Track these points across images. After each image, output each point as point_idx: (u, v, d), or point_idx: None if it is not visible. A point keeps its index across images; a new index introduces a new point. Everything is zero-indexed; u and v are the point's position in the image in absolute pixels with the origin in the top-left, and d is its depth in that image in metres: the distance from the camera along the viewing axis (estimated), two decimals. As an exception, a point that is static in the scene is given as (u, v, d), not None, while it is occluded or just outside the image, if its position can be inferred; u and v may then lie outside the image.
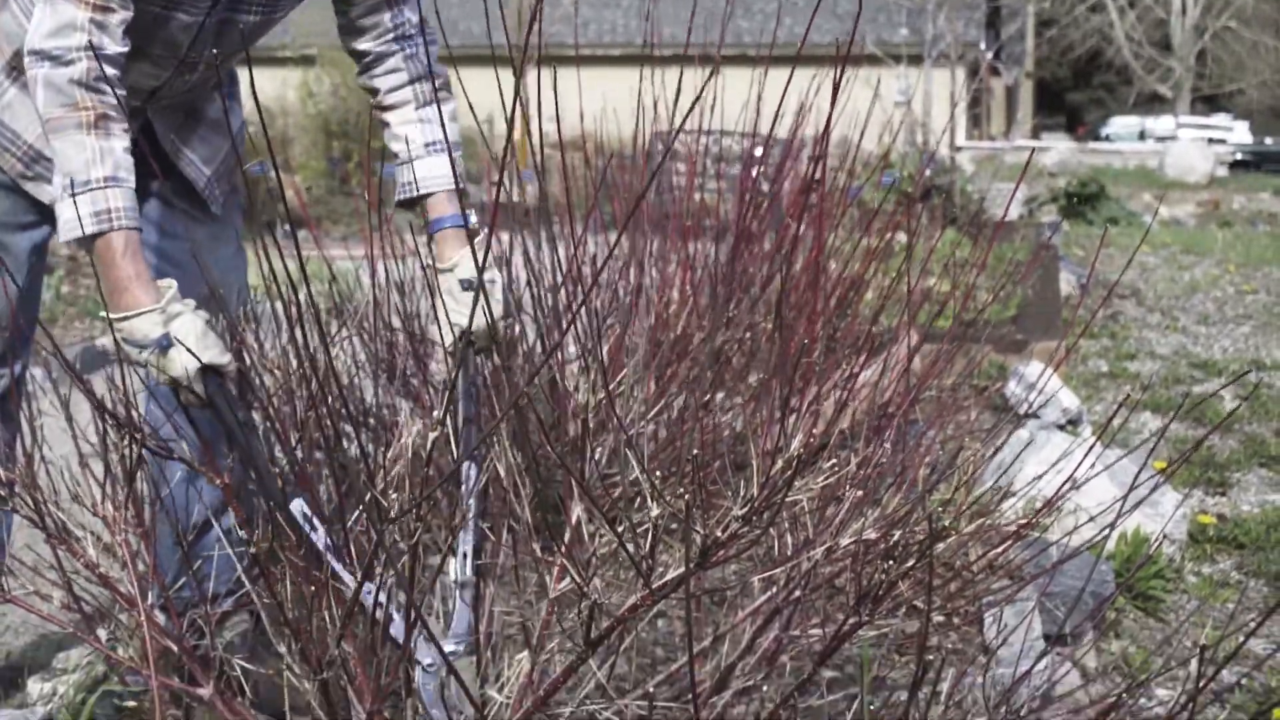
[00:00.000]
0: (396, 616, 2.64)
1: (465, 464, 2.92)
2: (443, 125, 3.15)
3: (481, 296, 2.96)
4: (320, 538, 2.68)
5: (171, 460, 2.96)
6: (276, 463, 2.90)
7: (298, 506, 2.69)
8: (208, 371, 2.73)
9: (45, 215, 3.21)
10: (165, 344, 2.69)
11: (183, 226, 3.34)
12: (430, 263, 3.18)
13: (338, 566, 2.67)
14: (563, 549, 2.79)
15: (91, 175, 2.71)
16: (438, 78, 3.22)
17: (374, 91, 3.25)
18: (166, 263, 3.26)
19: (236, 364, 2.82)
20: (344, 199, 16.26)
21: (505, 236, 3.23)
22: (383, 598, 2.59)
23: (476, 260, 2.99)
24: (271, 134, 2.39)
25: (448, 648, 2.73)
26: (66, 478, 3.04)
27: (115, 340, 2.78)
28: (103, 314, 2.76)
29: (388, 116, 3.23)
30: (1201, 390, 7.20)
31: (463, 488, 2.90)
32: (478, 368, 3.16)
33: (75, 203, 2.69)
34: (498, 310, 3.06)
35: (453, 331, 3.06)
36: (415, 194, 3.16)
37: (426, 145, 3.17)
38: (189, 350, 2.68)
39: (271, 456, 2.91)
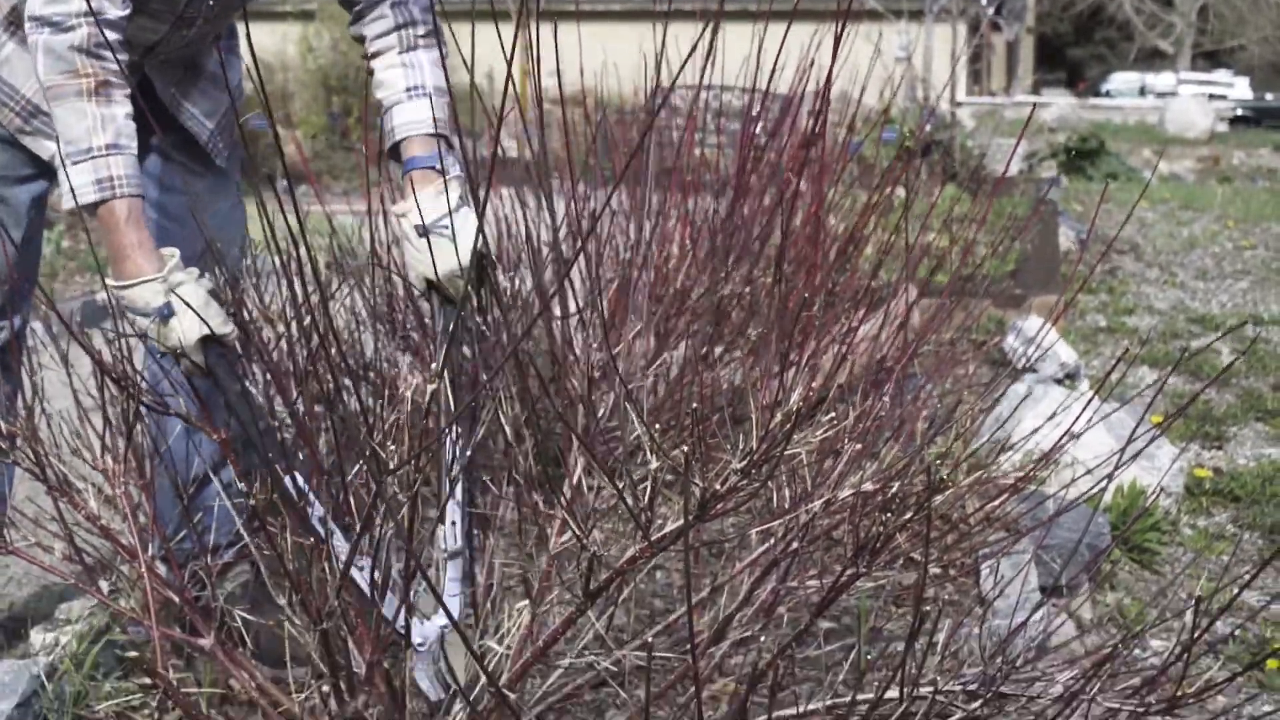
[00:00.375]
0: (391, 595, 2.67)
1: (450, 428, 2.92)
2: (429, 71, 3.14)
3: (447, 240, 2.96)
4: (315, 510, 2.69)
5: (169, 416, 2.97)
6: (276, 416, 2.91)
7: (294, 480, 2.70)
8: (208, 342, 2.75)
9: (43, 169, 3.21)
10: (167, 313, 2.70)
11: (181, 180, 3.34)
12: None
13: (335, 542, 2.68)
14: (563, 502, 2.80)
15: (93, 143, 2.72)
16: (425, 25, 3.18)
17: (361, 39, 3.22)
18: (165, 217, 3.26)
19: (237, 332, 2.83)
20: (344, 154, 16.23)
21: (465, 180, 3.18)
22: (378, 574, 2.61)
23: (446, 204, 2.97)
24: (270, 89, 2.39)
25: (440, 622, 2.75)
26: (66, 431, 3.06)
27: (114, 308, 2.80)
28: (106, 279, 2.78)
29: (374, 64, 3.19)
30: (1199, 345, 7.22)
31: (446, 454, 2.90)
32: (463, 318, 3.10)
33: (77, 171, 2.70)
34: (464, 254, 3.00)
35: (420, 278, 3.06)
36: (394, 141, 3.12)
37: (407, 90, 3.13)
38: (199, 316, 2.70)
39: (271, 410, 2.92)
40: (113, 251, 2.74)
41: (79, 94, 2.72)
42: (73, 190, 2.72)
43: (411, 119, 3.11)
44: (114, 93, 2.76)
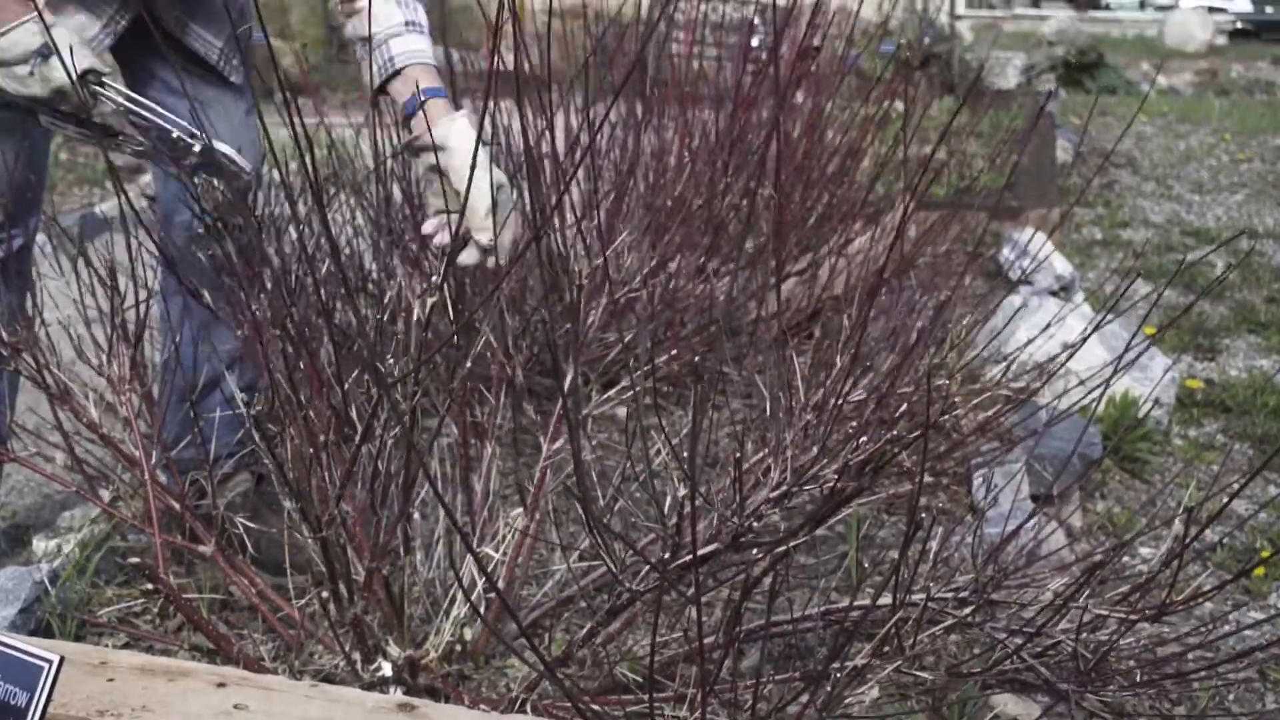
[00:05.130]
0: None
1: None
2: (423, 12, 3.05)
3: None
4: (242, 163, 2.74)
5: (178, 322, 3.00)
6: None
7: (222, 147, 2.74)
8: (88, 76, 2.75)
9: None
10: (46, 53, 2.70)
11: (190, 86, 3.30)
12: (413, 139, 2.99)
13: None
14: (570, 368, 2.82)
15: None
16: None
17: None
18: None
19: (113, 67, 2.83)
20: (341, 66, 16.13)
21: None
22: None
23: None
24: (268, 1, 2.39)
25: None
26: (70, 338, 3.09)
27: None
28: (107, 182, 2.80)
29: (361, 2, 3.05)
30: (1194, 258, 7.23)
31: None
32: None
33: None
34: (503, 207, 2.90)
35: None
36: (393, 70, 3.01)
37: (406, 24, 3.03)
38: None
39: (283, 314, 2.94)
40: None
41: None
42: None
43: (414, 48, 3.02)
44: None
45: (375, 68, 3.04)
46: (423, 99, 2.96)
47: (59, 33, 2.71)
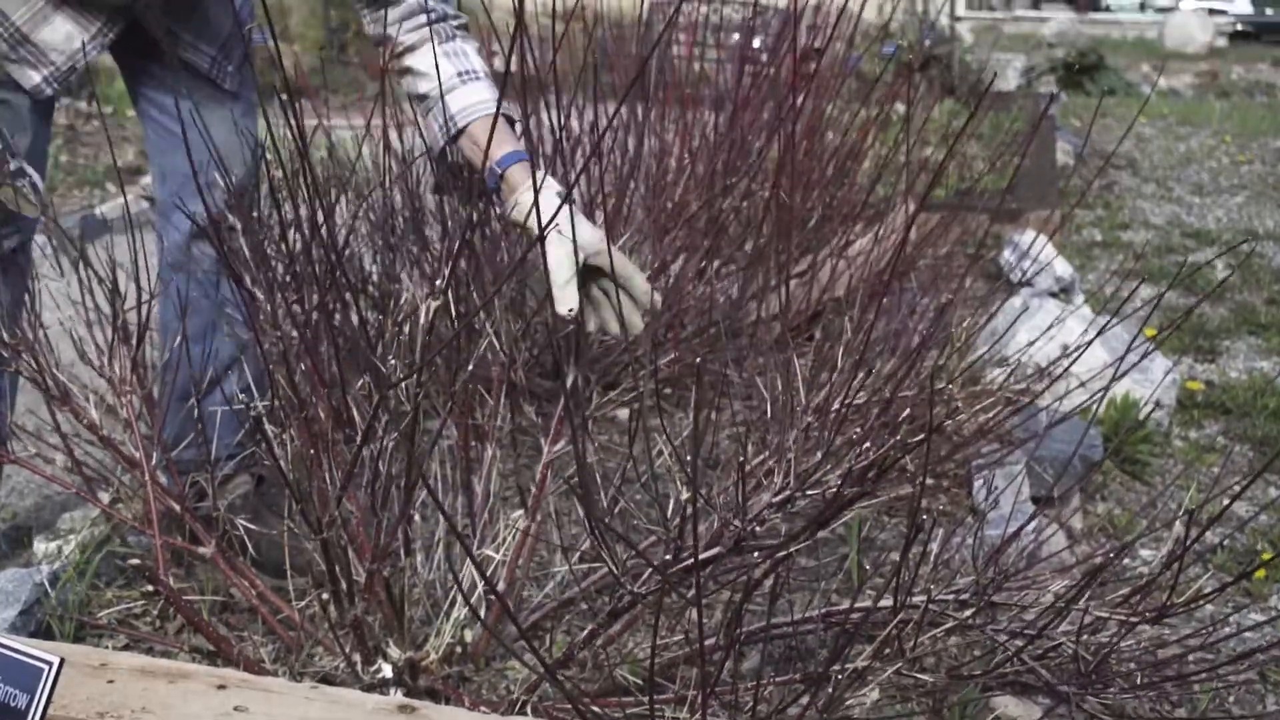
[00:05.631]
0: None
1: None
2: (475, 58, 2.95)
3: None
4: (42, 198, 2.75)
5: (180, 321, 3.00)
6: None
7: None
8: None
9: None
10: None
11: (186, 87, 3.30)
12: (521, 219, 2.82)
13: None
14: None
15: None
16: (459, 18, 3.01)
17: (384, 39, 2.99)
18: (168, 117, 3.24)
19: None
20: (342, 68, 16.13)
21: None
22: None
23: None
24: (270, 1, 2.38)
25: None
26: (71, 340, 3.09)
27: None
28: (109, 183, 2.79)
29: (409, 60, 2.97)
30: (1194, 259, 7.23)
31: None
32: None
33: None
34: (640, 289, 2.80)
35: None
36: (456, 130, 2.90)
37: (459, 74, 2.91)
38: None
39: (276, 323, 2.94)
40: None
41: None
42: None
43: (472, 101, 2.90)
44: None
45: (437, 126, 2.96)
46: (499, 170, 2.84)
47: None
